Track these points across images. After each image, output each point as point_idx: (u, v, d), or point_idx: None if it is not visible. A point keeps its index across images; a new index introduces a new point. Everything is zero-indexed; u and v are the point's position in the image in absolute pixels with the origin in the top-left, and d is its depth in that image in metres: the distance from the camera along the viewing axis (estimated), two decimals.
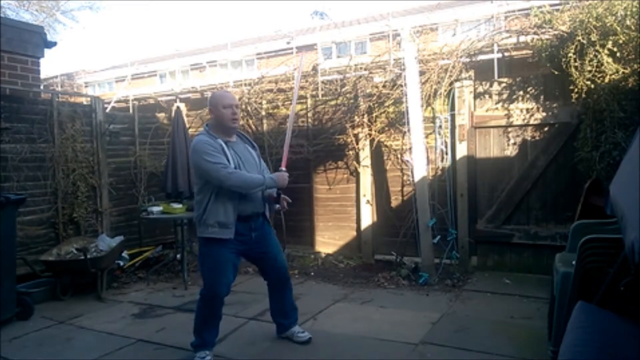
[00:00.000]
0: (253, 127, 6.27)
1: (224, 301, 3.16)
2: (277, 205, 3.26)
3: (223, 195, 2.98)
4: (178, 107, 5.79)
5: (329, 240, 5.88)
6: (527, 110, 4.81)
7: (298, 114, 6.00)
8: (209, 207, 3.00)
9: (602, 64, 4.13)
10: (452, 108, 5.12)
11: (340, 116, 5.64)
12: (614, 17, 4.09)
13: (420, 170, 4.89)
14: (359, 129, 5.48)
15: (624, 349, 1.31)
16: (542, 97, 4.77)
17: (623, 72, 4.10)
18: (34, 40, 5.36)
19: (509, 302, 4.10)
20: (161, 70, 11.79)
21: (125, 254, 5.36)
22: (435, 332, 3.52)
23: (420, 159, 4.90)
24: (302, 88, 5.90)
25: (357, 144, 5.50)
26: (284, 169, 3.19)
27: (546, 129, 4.77)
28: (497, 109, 4.97)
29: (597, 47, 4.13)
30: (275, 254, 3.29)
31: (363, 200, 5.56)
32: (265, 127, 6.20)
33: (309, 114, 5.94)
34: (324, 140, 5.74)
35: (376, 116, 5.46)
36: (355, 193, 5.70)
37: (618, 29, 4.04)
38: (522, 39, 4.83)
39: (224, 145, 3.03)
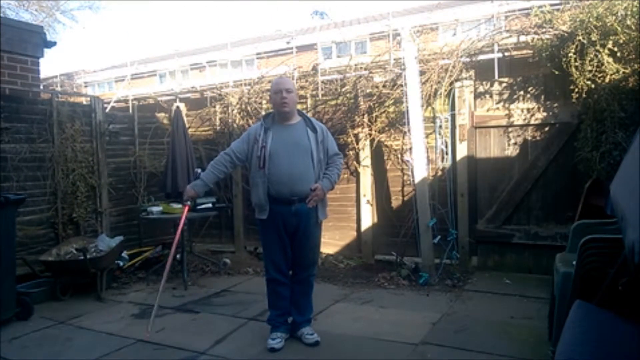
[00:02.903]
0: None
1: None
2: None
3: (253, 178, 3.29)
4: (178, 107, 5.78)
5: (329, 241, 5.86)
6: (528, 110, 4.81)
7: None
8: (250, 191, 3.37)
9: (602, 64, 4.12)
10: (453, 108, 5.11)
11: (341, 116, 5.64)
12: (614, 17, 4.08)
13: (420, 170, 4.88)
14: (359, 129, 5.47)
15: (622, 349, 1.31)
16: (542, 97, 4.76)
17: (623, 72, 4.09)
18: (33, 40, 5.35)
19: (509, 303, 4.10)
20: (161, 70, 11.81)
21: (124, 254, 5.35)
22: (435, 333, 3.51)
23: (420, 159, 4.89)
24: (302, 88, 5.90)
25: (357, 144, 5.49)
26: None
27: (547, 128, 4.77)
28: (497, 108, 4.96)
29: (598, 47, 4.12)
30: (303, 253, 3.36)
31: (363, 201, 5.56)
32: None
33: (309, 114, 5.91)
34: None
35: (376, 116, 5.45)
36: (355, 193, 5.69)
37: (618, 28, 4.03)
38: (522, 38, 4.82)
39: (263, 130, 3.26)
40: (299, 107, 5.84)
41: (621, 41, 4.07)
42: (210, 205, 5.41)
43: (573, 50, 4.22)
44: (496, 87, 4.97)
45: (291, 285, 3.43)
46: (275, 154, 3.20)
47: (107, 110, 6.09)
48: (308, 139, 3.25)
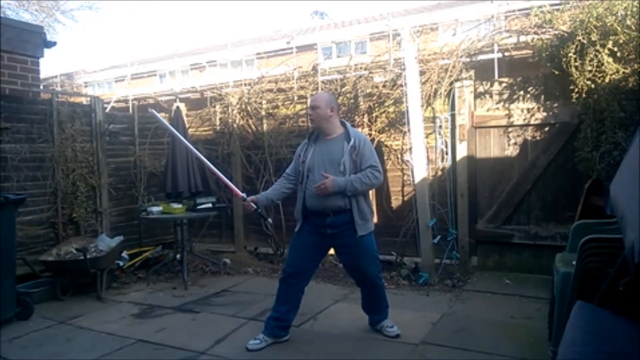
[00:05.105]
0: (253, 127, 6.26)
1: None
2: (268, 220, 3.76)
3: (297, 192, 3.40)
4: (178, 107, 5.78)
5: None
6: (528, 110, 4.81)
7: (298, 113, 6.00)
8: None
9: (602, 64, 4.12)
10: (453, 108, 5.11)
11: (340, 116, 5.62)
12: (614, 17, 4.08)
13: (420, 170, 4.88)
14: (359, 129, 5.45)
15: (623, 349, 1.31)
16: (542, 97, 4.76)
17: (623, 72, 4.09)
18: (33, 40, 5.35)
19: (509, 302, 4.10)
20: (161, 70, 11.81)
21: (125, 254, 5.36)
22: (435, 332, 3.52)
23: (420, 159, 4.89)
24: (302, 88, 5.91)
25: None
26: (243, 195, 3.51)
27: (546, 128, 4.77)
28: (497, 108, 4.96)
29: (598, 47, 4.12)
30: (358, 266, 3.41)
31: None
32: (265, 127, 6.19)
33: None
34: None
35: (376, 116, 5.45)
36: None
37: (618, 28, 4.03)
38: (522, 38, 4.82)
39: (306, 146, 3.39)
40: (298, 107, 5.95)
41: (621, 41, 4.07)
42: (210, 205, 5.41)
43: (573, 51, 4.22)
44: (496, 87, 4.97)
45: (361, 291, 3.56)
46: (312, 169, 3.27)
47: (107, 110, 6.09)
48: (342, 153, 3.23)
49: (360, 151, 3.24)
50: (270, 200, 3.51)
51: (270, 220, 3.80)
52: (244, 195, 3.51)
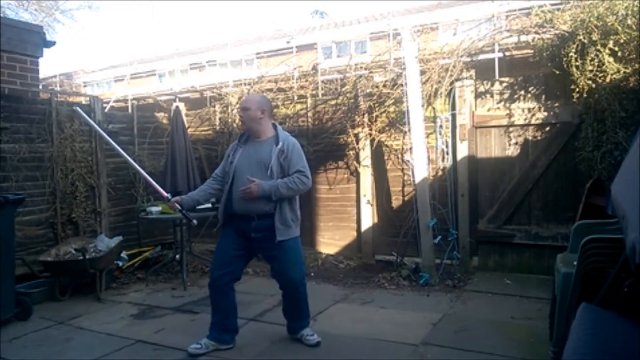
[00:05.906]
0: None
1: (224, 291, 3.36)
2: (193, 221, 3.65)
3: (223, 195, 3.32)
4: (177, 107, 5.77)
5: (329, 241, 5.85)
6: (529, 109, 4.80)
7: (298, 113, 5.99)
8: None
9: (603, 64, 4.11)
10: (453, 108, 5.10)
11: (341, 116, 5.63)
12: (615, 17, 4.08)
13: (420, 170, 4.87)
14: (359, 129, 5.46)
15: (629, 351, 1.30)
16: (543, 96, 4.75)
17: (624, 72, 4.08)
18: (33, 39, 5.34)
19: (510, 303, 4.09)
20: (160, 69, 11.80)
21: (124, 254, 5.35)
22: (436, 333, 3.50)
23: (421, 158, 4.88)
24: (302, 87, 5.90)
25: (358, 143, 5.48)
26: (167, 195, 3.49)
27: (547, 128, 4.75)
28: (498, 108, 4.95)
29: (598, 47, 4.12)
30: (280, 270, 3.31)
31: (363, 201, 5.54)
32: None
33: (309, 114, 5.92)
34: (324, 140, 5.72)
35: (376, 116, 5.44)
36: (355, 193, 5.67)
37: (619, 28, 4.03)
38: (523, 38, 4.81)
39: (235, 147, 3.35)
40: (298, 107, 5.93)
41: (622, 41, 4.06)
42: (209, 205, 5.38)
43: (574, 50, 4.21)
44: (497, 86, 4.96)
45: (282, 296, 3.42)
46: (239, 171, 3.19)
47: (106, 110, 6.08)
48: (270, 156, 3.17)
49: (289, 155, 3.17)
50: (197, 201, 3.46)
51: (195, 222, 3.64)
52: (168, 195, 3.47)
